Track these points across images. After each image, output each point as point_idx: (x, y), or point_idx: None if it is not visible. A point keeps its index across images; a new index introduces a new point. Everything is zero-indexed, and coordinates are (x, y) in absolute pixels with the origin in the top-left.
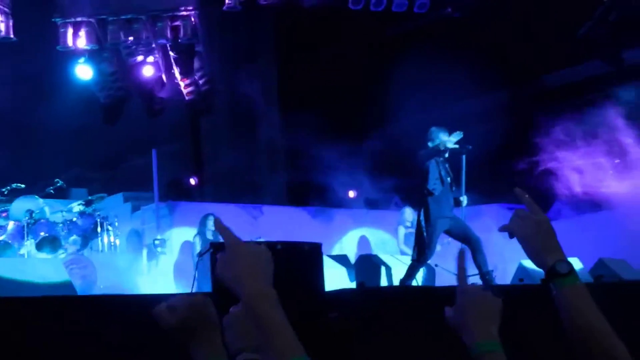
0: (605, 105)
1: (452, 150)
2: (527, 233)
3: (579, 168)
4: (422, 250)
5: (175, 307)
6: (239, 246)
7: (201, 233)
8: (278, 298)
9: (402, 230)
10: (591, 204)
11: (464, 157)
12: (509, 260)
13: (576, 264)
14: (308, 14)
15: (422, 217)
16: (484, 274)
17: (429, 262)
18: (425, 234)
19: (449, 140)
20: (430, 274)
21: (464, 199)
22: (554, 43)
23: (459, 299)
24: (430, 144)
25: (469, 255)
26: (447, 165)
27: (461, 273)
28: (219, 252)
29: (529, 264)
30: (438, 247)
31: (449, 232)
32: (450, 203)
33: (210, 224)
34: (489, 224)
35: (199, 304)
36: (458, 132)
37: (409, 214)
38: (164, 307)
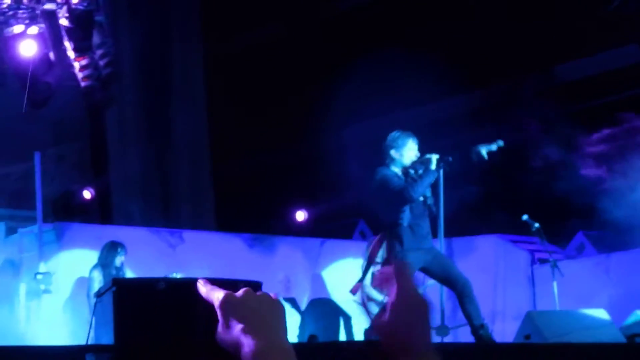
0: None
1: (423, 162)
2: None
3: (607, 190)
4: None
5: None
6: (243, 298)
7: (104, 266)
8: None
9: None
10: (623, 239)
11: (441, 172)
12: (512, 310)
13: (602, 316)
14: None
15: (388, 251)
16: (477, 328)
17: None
18: None
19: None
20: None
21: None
22: (569, 21)
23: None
24: (393, 153)
25: (452, 302)
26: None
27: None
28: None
29: (538, 316)
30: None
31: (426, 271)
32: (427, 231)
33: (119, 260)
34: (483, 261)
35: None
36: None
37: None
38: None
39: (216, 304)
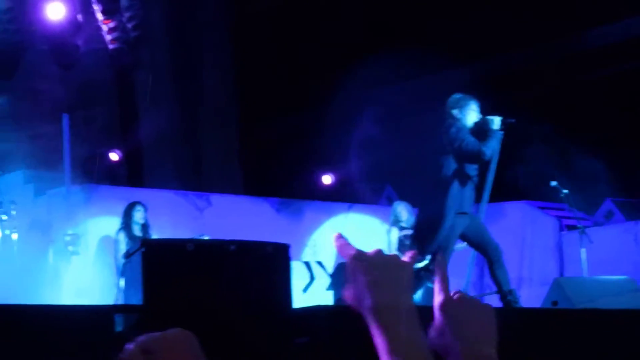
0: None
1: (482, 125)
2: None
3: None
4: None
5: (152, 351)
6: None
7: (126, 227)
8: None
9: (395, 233)
10: None
11: (501, 135)
12: (539, 276)
13: (630, 283)
14: None
15: (440, 210)
16: (505, 294)
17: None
18: (445, 233)
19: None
20: (429, 289)
21: None
22: None
23: (439, 314)
24: (456, 113)
25: (476, 266)
26: None
27: (443, 282)
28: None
29: (566, 282)
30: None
31: (464, 236)
32: (473, 196)
33: (139, 215)
34: (511, 227)
35: (183, 344)
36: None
37: (404, 212)
38: (135, 352)
39: (347, 258)
